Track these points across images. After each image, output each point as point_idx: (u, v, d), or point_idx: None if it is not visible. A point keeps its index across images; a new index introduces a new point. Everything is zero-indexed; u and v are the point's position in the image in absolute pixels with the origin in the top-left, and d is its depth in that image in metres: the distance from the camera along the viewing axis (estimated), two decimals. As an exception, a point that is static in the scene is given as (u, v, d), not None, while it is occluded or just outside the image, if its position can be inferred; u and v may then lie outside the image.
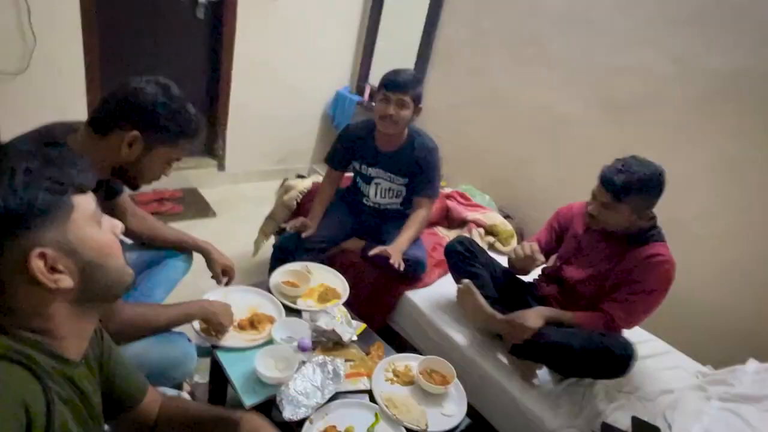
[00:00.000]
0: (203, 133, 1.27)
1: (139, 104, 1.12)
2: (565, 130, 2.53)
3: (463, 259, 1.83)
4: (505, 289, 1.84)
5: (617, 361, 1.46)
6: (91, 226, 0.70)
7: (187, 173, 3.22)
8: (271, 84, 3.29)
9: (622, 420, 1.47)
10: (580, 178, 2.44)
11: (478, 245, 1.91)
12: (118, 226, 0.77)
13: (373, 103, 3.34)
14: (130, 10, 2.66)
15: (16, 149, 0.66)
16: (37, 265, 0.63)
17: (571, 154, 2.51)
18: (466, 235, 2.28)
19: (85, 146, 1.12)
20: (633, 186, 1.46)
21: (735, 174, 1.97)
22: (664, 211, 2.15)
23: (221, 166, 3.37)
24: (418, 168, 2.01)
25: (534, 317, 1.59)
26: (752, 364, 1.63)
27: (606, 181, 1.52)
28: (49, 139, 1.14)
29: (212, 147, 3.33)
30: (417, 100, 1.91)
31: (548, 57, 2.55)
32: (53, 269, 0.65)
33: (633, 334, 1.93)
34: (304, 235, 1.98)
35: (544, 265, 1.83)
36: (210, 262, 1.64)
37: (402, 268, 1.82)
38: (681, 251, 2.12)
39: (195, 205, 3.09)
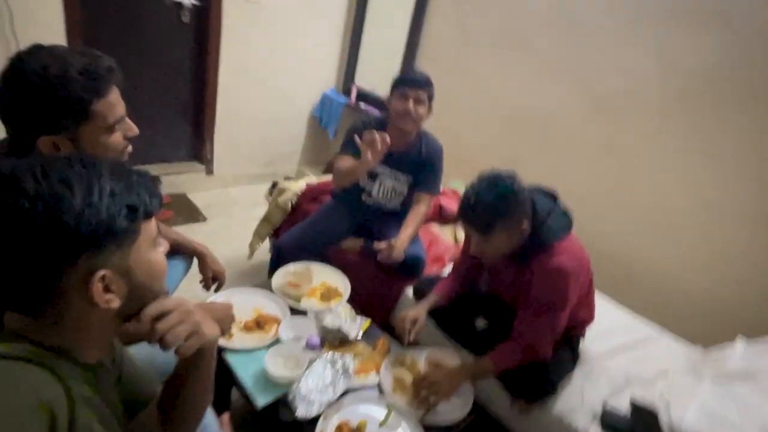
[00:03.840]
0: (111, 75, 1.04)
1: (12, 111, 0.98)
2: (551, 127, 2.59)
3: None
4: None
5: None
6: (150, 249, 0.72)
7: (176, 178, 3.19)
8: (257, 87, 3.28)
9: (623, 402, 1.52)
10: (567, 173, 2.53)
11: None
12: (164, 245, 0.77)
13: (361, 104, 3.40)
14: (115, 14, 2.63)
15: (98, 163, 0.67)
16: (97, 286, 0.64)
17: (558, 150, 2.58)
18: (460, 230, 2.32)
19: None
20: (492, 216, 1.36)
21: (715, 164, 2.05)
22: (651, 200, 2.25)
23: (209, 171, 3.35)
24: (423, 167, 2.03)
25: (449, 386, 1.43)
26: (740, 343, 1.71)
27: (467, 222, 1.44)
28: None
29: (200, 152, 3.30)
30: (431, 98, 1.94)
31: (533, 56, 2.61)
32: (107, 289, 0.66)
33: (625, 320, 2.01)
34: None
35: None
36: (203, 265, 1.60)
37: (399, 261, 1.82)
38: (670, 239, 2.22)
39: (184, 210, 3.07)
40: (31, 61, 0.97)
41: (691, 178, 2.12)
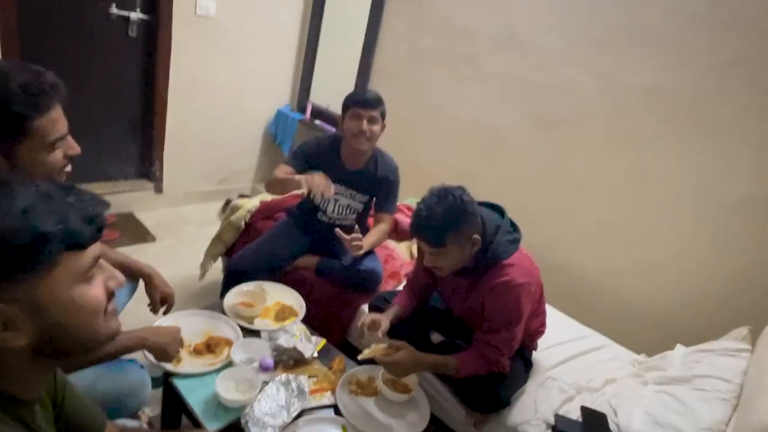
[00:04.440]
0: (55, 92, 1.01)
1: None
2: (500, 142, 2.68)
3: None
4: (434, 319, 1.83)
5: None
6: (76, 284, 0.63)
7: (122, 197, 3.05)
8: (209, 103, 3.22)
9: (574, 410, 1.57)
10: (516, 187, 2.62)
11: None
12: (116, 279, 0.70)
13: (316, 121, 3.40)
14: (56, 30, 2.51)
15: (18, 183, 0.60)
16: None
17: (508, 164, 2.67)
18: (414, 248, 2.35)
19: None
20: (442, 227, 1.38)
21: (655, 178, 2.18)
22: (596, 214, 2.36)
23: (158, 189, 3.23)
24: (380, 186, 2.05)
25: (410, 368, 1.48)
26: (680, 349, 1.80)
27: (418, 235, 1.45)
28: None
29: (148, 169, 3.19)
30: (383, 116, 1.97)
31: (482, 74, 2.70)
32: (6, 326, 0.59)
33: (573, 330, 2.08)
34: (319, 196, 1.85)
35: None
36: (150, 288, 1.51)
37: (360, 253, 1.86)
38: (612, 251, 2.33)
39: (131, 230, 2.94)
40: None
41: (634, 191, 2.24)
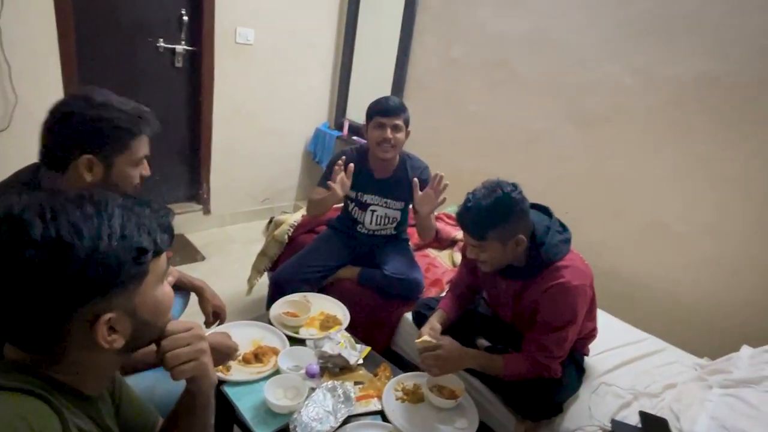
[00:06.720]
0: (154, 121, 1.23)
1: (72, 128, 1.09)
2: (539, 145, 2.64)
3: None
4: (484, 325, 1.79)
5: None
6: (157, 286, 0.72)
7: (173, 219, 3.21)
8: (251, 126, 3.36)
9: (631, 416, 1.49)
10: (559, 190, 2.56)
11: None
12: (171, 274, 0.78)
13: (354, 138, 3.47)
14: (110, 63, 2.71)
15: (110, 201, 0.66)
16: (102, 329, 0.64)
17: (549, 168, 2.62)
18: (457, 252, 2.34)
19: (54, 187, 1.13)
20: (485, 222, 1.37)
21: (706, 172, 2.07)
22: (644, 214, 2.26)
23: (206, 210, 3.38)
24: (413, 189, 2.05)
25: (455, 358, 1.47)
26: (746, 350, 1.68)
27: (461, 224, 1.45)
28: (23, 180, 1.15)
29: (197, 192, 3.34)
30: (407, 122, 1.99)
31: (517, 78, 2.68)
32: (112, 330, 0.66)
33: (627, 334, 1.99)
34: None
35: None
36: (202, 301, 1.60)
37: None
38: (665, 250, 2.22)
39: (183, 250, 3.07)
40: (95, 93, 1.15)
41: (684, 187, 2.14)
